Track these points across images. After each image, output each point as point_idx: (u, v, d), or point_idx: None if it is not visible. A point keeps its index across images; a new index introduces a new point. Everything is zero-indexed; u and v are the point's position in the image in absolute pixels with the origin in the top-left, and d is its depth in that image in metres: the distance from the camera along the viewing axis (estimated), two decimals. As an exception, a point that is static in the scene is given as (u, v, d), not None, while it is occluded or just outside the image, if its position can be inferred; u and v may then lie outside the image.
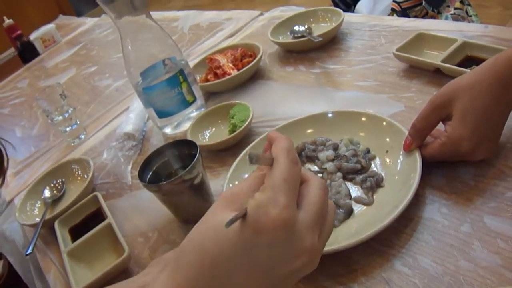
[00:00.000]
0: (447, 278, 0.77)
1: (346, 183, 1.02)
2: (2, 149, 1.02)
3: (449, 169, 0.95)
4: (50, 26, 3.44)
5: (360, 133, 1.11)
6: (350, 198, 0.98)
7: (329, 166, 1.05)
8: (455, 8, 2.44)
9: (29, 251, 1.22)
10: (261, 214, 0.58)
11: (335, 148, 1.09)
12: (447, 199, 0.90)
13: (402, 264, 0.82)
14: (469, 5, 2.47)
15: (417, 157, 0.93)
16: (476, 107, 0.88)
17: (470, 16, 2.44)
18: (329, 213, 0.66)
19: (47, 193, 1.47)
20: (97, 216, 1.29)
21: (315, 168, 1.10)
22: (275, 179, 0.61)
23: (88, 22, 3.54)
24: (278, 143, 0.66)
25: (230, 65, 1.61)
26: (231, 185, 1.10)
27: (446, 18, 2.40)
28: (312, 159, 1.12)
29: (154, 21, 1.37)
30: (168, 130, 1.49)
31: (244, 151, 1.17)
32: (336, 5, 2.94)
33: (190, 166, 1.02)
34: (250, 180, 0.66)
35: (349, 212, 0.95)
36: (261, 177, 0.65)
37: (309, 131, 1.17)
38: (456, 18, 2.41)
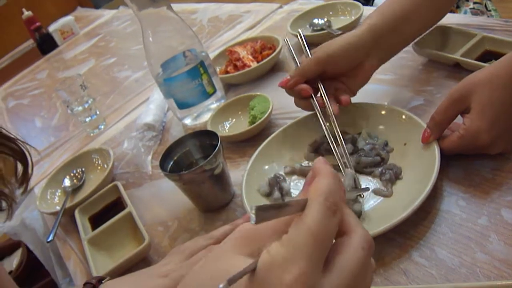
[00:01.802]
0: (464, 269, 0.77)
1: (358, 176, 1.03)
2: (28, 155, 1.03)
3: (467, 162, 0.95)
4: (68, 18, 3.47)
5: (380, 126, 1.11)
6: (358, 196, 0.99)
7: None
8: (474, 3, 2.43)
9: (50, 238, 1.23)
10: (273, 277, 0.47)
11: (354, 142, 1.09)
12: (464, 192, 0.90)
13: (420, 255, 0.83)
14: (489, -1, 2.47)
15: (436, 150, 0.93)
16: (494, 100, 0.87)
17: (489, 10, 2.43)
18: (367, 279, 0.53)
19: (67, 182, 1.49)
20: (117, 205, 1.31)
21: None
22: (300, 233, 0.49)
23: (106, 14, 3.56)
24: (318, 182, 0.54)
25: (250, 57, 1.63)
26: (251, 176, 1.10)
27: (465, 13, 2.40)
28: (330, 152, 1.12)
29: (175, 13, 1.38)
30: (188, 121, 1.51)
31: (264, 143, 1.17)
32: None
33: (211, 156, 1.04)
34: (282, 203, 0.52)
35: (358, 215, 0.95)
36: (293, 209, 0.52)
37: (328, 123, 1.18)
38: (475, 12, 2.40)
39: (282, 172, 1.12)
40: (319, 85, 1.12)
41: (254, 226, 0.52)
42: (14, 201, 1.01)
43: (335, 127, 1.07)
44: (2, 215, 1.00)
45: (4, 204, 0.97)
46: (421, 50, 1.28)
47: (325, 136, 1.10)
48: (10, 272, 2.46)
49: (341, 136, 1.06)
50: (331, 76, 1.12)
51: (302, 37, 1.24)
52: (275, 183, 1.06)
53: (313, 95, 1.12)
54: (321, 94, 1.11)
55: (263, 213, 0.48)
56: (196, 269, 0.55)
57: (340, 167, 1.03)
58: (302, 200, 0.52)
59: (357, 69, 1.11)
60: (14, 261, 2.60)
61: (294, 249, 0.47)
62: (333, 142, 1.06)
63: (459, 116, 0.94)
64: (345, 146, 1.05)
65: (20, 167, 1.03)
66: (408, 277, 0.80)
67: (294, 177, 1.12)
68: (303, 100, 1.13)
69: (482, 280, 0.75)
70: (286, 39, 1.28)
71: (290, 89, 1.12)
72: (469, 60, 1.16)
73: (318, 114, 1.11)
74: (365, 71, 1.11)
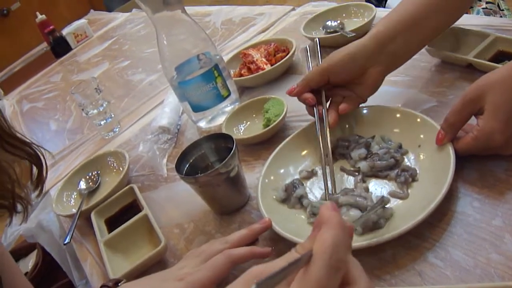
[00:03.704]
0: (478, 270, 0.78)
1: (373, 180, 1.04)
2: (42, 158, 1.05)
3: (481, 163, 0.95)
4: (82, 21, 3.49)
5: (393, 129, 1.10)
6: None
7: (363, 165, 1.05)
8: (487, 2, 2.42)
9: (67, 240, 1.25)
10: None
11: (367, 146, 1.09)
12: (479, 193, 0.90)
13: (435, 256, 0.83)
14: (501, -2, 2.46)
15: (450, 152, 0.93)
16: (508, 101, 0.87)
17: (502, 10, 2.43)
18: None
19: (82, 184, 1.50)
20: (133, 207, 1.32)
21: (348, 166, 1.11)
22: None
23: (119, 17, 3.58)
24: (324, 235, 0.54)
25: (264, 60, 1.63)
26: (266, 180, 1.11)
27: (478, 13, 2.39)
28: (345, 157, 1.12)
29: (189, 16, 1.39)
30: (202, 124, 1.52)
31: (280, 146, 1.17)
32: (367, 0, 2.94)
33: (227, 159, 1.04)
34: (284, 260, 0.55)
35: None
36: (297, 266, 0.53)
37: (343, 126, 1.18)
38: (488, 12, 2.40)
39: (297, 176, 1.13)
40: (322, 95, 1.16)
41: (265, 270, 0.55)
42: (30, 204, 1.02)
43: (326, 137, 1.11)
44: (18, 218, 1.01)
45: (20, 207, 0.98)
46: (434, 52, 1.28)
47: (338, 140, 1.13)
48: (26, 274, 2.48)
49: (330, 148, 1.09)
50: (337, 85, 1.15)
51: (318, 44, 1.28)
52: (292, 189, 1.07)
53: (316, 104, 1.15)
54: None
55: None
56: None
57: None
58: (307, 254, 0.52)
59: (363, 77, 1.12)
60: (29, 262, 2.61)
61: None
62: (327, 156, 1.09)
63: (473, 117, 0.94)
64: (331, 152, 1.09)
65: (35, 170, 1.04)
66: (423, 278, 0.81)
67: (310, 181, 1.12)
68: (309, 108, 1.17)
69: (496, 281, 0.75)
70: (307, 48, 1.31)
71: (295, 96, 1.17)
72: (482, 61, 1.16)
73: (316, 125, 1.14)
74: (371, 78, 1.12)
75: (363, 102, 1.16)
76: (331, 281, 0.51)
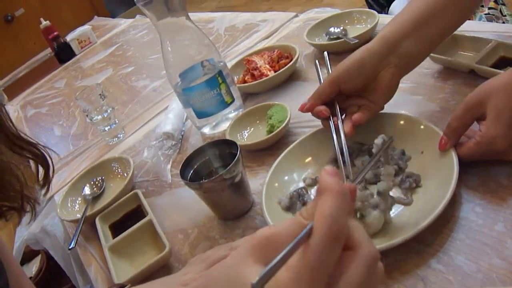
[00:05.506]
0: (481, 275, 0.78)
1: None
2: (48, 158, 1.06)
3: (483, 168, 0.95)
4: (86, 27, 3.51)
5: (397, 135, 1.08)
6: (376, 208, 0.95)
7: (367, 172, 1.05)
8: (489, 8, 2.42)
9: (72, 245, 1.25)
10: None
11: (370, 153, 1.08)
12: (481, 199, 0.91)
13: (437, 261, 0.83)
14: (504, 4, 2.46)
15: (454, 158, 0.93)
16: (510, 107, 0.88)
17: (505, 15, 2.43)
18: None
19: (87, 190, 1.51)
20: (137, 213, 1.32)
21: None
22: (303, 262, 0.50)
23: (123, 23, 3.59)
24: (323, 204, 0.53)
25: (267, 66, 1.64)
26: (271, 187, 1.11)
27: (480, 18, 2.39)
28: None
29: (193, 22, 1.40)
30: (206, 130, 1.52)
31: (283, 153, 1.18)
32: (370, 6, 2.94)
33: (231, 165, 1.05)
34: (289, 227, 0.55)
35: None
36: (302, 227, 0.53)
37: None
38: (490, 18, 2.39)
39: (302, 184, 1.13)
40: (336, 106, 1.13)
41: (272, 233, 0.55)
42: (38, 203, 1.03)
43: (345, 149, 1.07)
44: (26, 218, 1.02)
45: (28, 207, 0.99)
46: (437, 58, 1.28)
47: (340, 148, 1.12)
48: (29, 279, 2.48)
49: (349, 158, 1.06)
50: (350, 94, 1.12)
51: (327, 58, 1.27)
52: (297, 197, 1.07)
53: (331, 116, 1.12)
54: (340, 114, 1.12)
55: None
56: (214, 274, 0.58)
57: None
58: (307, 231, 0.52)
59: (375, 82, 1.09)
60: (33, 267, 2.62)
61: (296, 276, 0.50)
62: (347, 177, 1.05)
63: (475, 123, 0.95)
64: (349, 165, 1.05)
65: (41, 171, 1.06)
66: (425, 283, 0.81)
67: (315, 188, 1.11)
68: (324, 121, 1.14)
69: (498, 286, 0.75)
70: (317, 63, 1.29)
71: (308, 112, 1.13)
72: (484, 67, 1.17)
73: (332, 137, 1.10)
74: (384, 82, 1.08)
75: (380, 109, 1.12)
76: (332, 253, 0.51)
